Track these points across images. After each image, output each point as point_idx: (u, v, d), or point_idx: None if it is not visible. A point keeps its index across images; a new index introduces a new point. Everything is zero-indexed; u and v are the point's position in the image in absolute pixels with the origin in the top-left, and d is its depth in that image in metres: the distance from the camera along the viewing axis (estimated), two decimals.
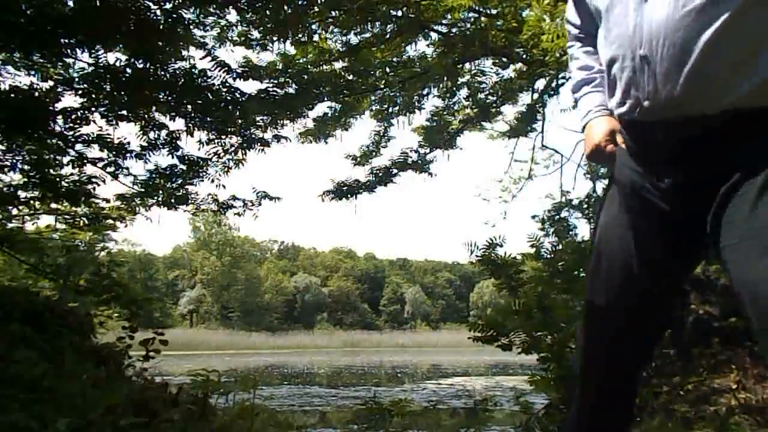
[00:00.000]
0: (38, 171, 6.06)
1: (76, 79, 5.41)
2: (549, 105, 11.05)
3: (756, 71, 1.13)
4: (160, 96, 5.67)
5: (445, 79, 7.99)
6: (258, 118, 6.57)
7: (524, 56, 6.87)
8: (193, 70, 5.51)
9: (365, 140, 9.34)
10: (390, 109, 9.02)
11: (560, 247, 5.73)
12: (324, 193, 8.79)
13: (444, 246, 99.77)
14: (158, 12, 4.82)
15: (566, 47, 1.63)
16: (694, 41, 1.15)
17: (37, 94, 5.23)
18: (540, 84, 8.37)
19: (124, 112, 5.90)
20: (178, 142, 6.31)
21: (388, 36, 7.69)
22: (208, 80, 5.63)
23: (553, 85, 8.69)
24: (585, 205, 7.09)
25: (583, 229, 6.90)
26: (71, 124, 5.73)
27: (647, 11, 1.21)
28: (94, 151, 6.18)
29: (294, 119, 7.18)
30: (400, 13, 7.32)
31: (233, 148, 6.69)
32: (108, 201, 6.89)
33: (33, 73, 5.50)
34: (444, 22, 7.66)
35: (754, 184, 1.13)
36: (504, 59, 7.88)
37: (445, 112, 8.93)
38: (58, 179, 6.24)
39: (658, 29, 1.19)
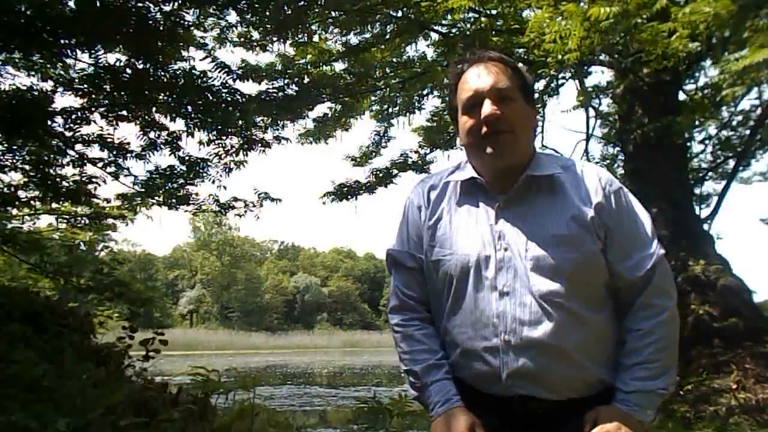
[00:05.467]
0: (38, 171, 6.06)
1: (76, 80, 5.41)
2: (549, 105, 11.06)
3: (585, 370, 1.33)
4: (160, 96, 5.67)
5: (445, 80, 7.98)
6: (258, 119, 6.57)
7: (525, 57, 6.87)
8: (193, 71, 5.51)
9: (365, 141, 9.36)
10: (390, 110, 9.02)
11: None
12: (325, 195, 8.79)
13: None
14: (158, 13, 4.82)
15: (395, 321, 1.51)
16: (548, 343, 1.31)
17: (37, 94, 5.23)
18: (540, 84, 8.38)
19: (124, 112, 5.90)
20: (178, 142, 6.31)
21: (388, 36, 7.69)
22: (209, 81, 5.63)
23: (553, 85, 8.70)
24: None
25: None
26: (71, 124, 5.73)
27: (510, 305, 1.34)
28: (94, 151, 6.19)
29: (294, 120, 7.18)
30: (400, 14, 7.32)
31: (234, 149, 6.69)
32: (108, 201, 6.90)
33: (33, 73, 5.51)
34: (444, 22, 7.65)
35: None
36: None
37: (445, 113, 8.93)
38: (58, 179, 6.24)
39: (520, 322, 1.32)
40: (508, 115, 1.37)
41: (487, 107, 1.36)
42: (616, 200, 1.38)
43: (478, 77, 1.40)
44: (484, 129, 1.37)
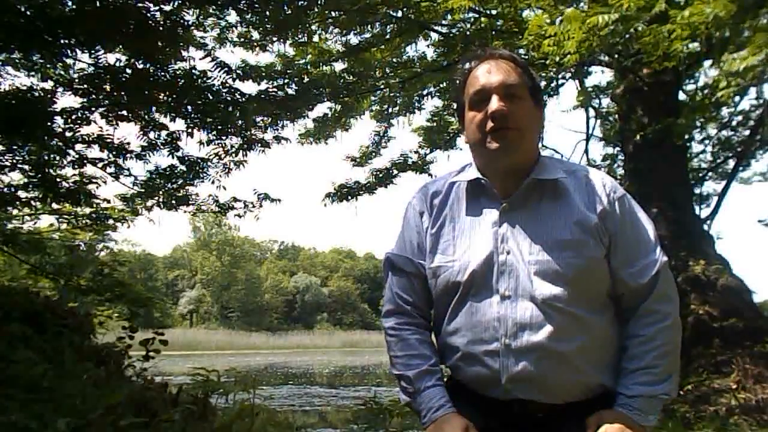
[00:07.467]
0: (38, 171, 6.05)
1: (76, 80, 5.41)
2: (549, 105, 11.06)
3: (585, 375, 1.33)
4: (160, 96, 5.67)
5: (446, 83, 7.99)
6: (258, 119, 6.57)
7: (524, 57, 6.88)
8: (193, 71, 5.51)
9: (365, 141, 9.36)
10: (390, 110, 9.02)
11: None
12: (325, 197, 8.78)
13: None
14: (158, 13, 4.82)
15: (389, 325, 1.50)
16: (549, 348, 1.30)
17: (37, 94, 5.23)
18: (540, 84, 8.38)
19: (124, 112, 5.90)
20: (178, 142, 6.31)
21: (388, 36, 7.70)
22: (208, 81, 5.62)
23: (553, 85, 8.70)
24: None
25: None
26: (71, 125, 5.72)
27: (510, 308, 1.33)
28: (94, 152, 6.18)
29: (294, 120, 7.18)
30: (400, 14, 7.33)
31: (234, 149, 6.68)
32: (108, 201, 6.89)
33: (33, 73, 5.51)
34: (444, 22, 7.66)
35: None
36: None
37: (445, 113, 8.93)
38: (58, 179, 6.23)
39: (520, 326, 1.31)
40: (516, 113, 1.36)
41: (495, 103, 1.36)
42: (621, 207, 1.38)
43: (488, 73, 1.40)
44: (490, 124, 1.36)
